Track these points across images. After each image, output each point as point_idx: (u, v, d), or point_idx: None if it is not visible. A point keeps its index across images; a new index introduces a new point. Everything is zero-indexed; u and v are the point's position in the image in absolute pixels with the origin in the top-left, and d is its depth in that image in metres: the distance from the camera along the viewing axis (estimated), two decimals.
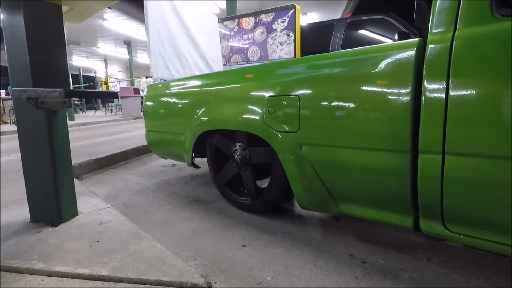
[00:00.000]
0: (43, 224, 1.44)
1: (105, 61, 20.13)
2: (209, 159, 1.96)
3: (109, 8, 8.84)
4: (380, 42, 3.67)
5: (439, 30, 0.92)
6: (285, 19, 3.92)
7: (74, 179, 1.62)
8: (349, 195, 1.26)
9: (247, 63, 4.37)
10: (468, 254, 1.25)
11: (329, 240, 1.39)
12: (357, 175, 1.16)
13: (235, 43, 4.44)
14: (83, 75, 18.63)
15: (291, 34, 3.91)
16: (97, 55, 17.92)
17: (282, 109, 1.33)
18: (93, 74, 21.53)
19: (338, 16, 10.04)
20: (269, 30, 4.08)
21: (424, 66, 0.92)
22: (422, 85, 0.92)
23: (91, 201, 1.78)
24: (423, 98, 0.92)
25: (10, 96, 7.38)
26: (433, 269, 1.15)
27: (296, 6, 3.84)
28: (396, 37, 3.24)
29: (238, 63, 4.48)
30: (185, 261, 1.21)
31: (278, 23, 3.98)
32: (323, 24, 4.40)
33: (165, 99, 2.14)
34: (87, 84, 15.76)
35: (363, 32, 3.96)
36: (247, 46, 4.33)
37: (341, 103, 1.13)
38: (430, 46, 0.92)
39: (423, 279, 1.09)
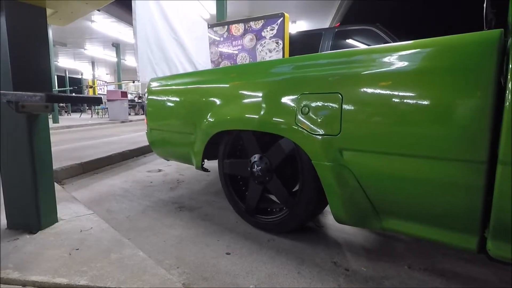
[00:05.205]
0: (21, 231, 1.39)
1: (93, 63, 19.83)
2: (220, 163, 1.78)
3: (98, 10, 8.75)
4: None
5: None
6: (274, 27, 3.97)
7: (55, 184, 1.58)
8: (398, 210, 1.09)
9: None
10: (447, 262, 1.28)
11: (313, 248, 1.40)
12: (414, 187, 0.99)
13: (225, 49, 4.46)
14: (69, 77, 18.24)
15: (280, 41, 3.96)
16: (84, 57, 17.64)
17: (319, 108, 1.17)
18: (80, 76, 21.12)
19: (327, 25, 10.25)
20: (259, 37, 4.12)
21: (510, 63, 0.77)
22: (505, 84, 0.79)
23: (72, 207, 1.74)
24: (507, 99, 0.77)
25: None
26: (414, 276, 1.17)
27: (285, 14, 3.90)
28: None
29: None
30: (167, 269, 1.19)
31: (267, 31, 4.03)
32: (311, 33, 4.51)
33: (172, 93, 1.94)
34: (72, 88, 15.42)
35: (350, 41, 4.07)
36: (237, 52, 4.35)
37: (398, 101, 0.97)
38: None
39: (403, 286, 1.11)
